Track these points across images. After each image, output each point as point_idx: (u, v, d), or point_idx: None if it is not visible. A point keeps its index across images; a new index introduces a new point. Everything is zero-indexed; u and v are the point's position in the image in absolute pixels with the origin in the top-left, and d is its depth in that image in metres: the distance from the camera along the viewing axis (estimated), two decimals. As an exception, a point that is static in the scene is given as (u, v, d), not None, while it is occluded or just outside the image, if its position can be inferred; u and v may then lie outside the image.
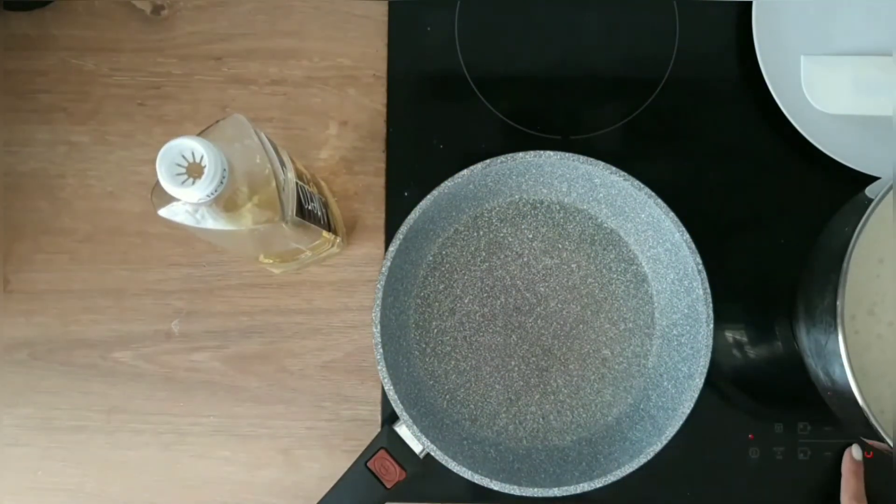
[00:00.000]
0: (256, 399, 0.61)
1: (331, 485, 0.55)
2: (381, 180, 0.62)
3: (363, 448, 0.55)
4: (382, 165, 0.62)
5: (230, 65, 0.62)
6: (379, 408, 0.61)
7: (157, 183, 0.40)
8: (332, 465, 0.59)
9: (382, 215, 0.62)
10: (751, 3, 0.60)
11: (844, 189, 0.53)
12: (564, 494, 0.53)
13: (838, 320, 0.45)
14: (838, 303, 0.46)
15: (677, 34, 0.62)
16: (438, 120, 0.62)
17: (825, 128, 0.58)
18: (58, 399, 0.61)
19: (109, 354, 0.61)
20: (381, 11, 0.62)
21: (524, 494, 0.53)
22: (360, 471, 0.54)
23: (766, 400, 0.60)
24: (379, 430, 0.57)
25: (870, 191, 0.50)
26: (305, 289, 0.61)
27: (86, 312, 0.61)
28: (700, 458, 0.55)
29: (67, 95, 0.62)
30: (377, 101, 0.62)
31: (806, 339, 0.52)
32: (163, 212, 0.42)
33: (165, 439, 0.61)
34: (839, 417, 0.54)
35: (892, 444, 0.45)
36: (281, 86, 0.62)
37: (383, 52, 0.62)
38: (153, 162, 0.61)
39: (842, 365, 0.45)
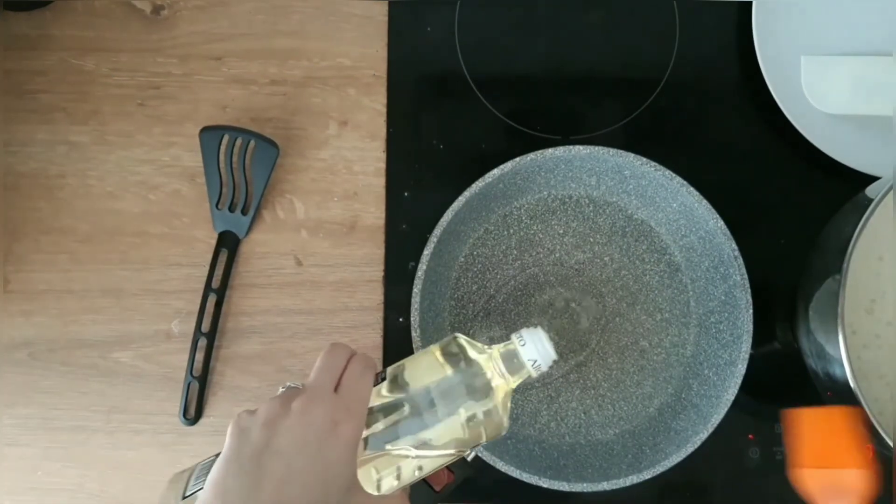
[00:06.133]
0: (256, 399, 0.61)
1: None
2: (381, 180, 0.62)
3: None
4: (382, 165, 0.62)
5: (230, 65, 0.62)
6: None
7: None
8: (332, 465, 0.59)
9: (382, 215, 0.62)
10: (751, 3, 0.60)
11: (844, 189, 0.53)
12: (614, 488, 0.53)
13: (838, 320, 0.46)
14: (838, 303, 0.46)
15: (677, 34, 0.62)
16: (438, 120, 0.62)
17: (825, 128, 0.58)
18: (58, 399, 0.61)
19: (109, 354, 0.61)
20: (381, 11, 0.62)
21: (573, 490, 0.53)
22: None
23: (766, 400, 0.60)
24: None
25: (870, 191, 0.50)
26: (305, 289, 0.61)
27: (86, 312, 0.61)
28: (700, 459, 0.55)
29: (67, 95, 0.62)
30: (377, 101, 0.62)
31: (806, 340, 0.52)
32: None
33: (165, 439, 0.61)
34: (839, 417, 0.54)
35: (892, 444, 0.45)
36: (281, 86, 0.62)
37: (383, 52, 0.62)
38: (153, 162, 0.62)
39: (842, 365, 0.45)
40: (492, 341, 0.59)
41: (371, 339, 0.61)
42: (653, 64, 0.62)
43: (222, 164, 0.60)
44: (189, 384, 0.60)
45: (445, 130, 0.62)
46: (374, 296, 0.61)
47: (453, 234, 0.56)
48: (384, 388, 0.43)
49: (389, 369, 0.44)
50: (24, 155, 0.62)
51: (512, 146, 0.58)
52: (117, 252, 0.61)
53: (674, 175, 0.54)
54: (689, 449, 0.53)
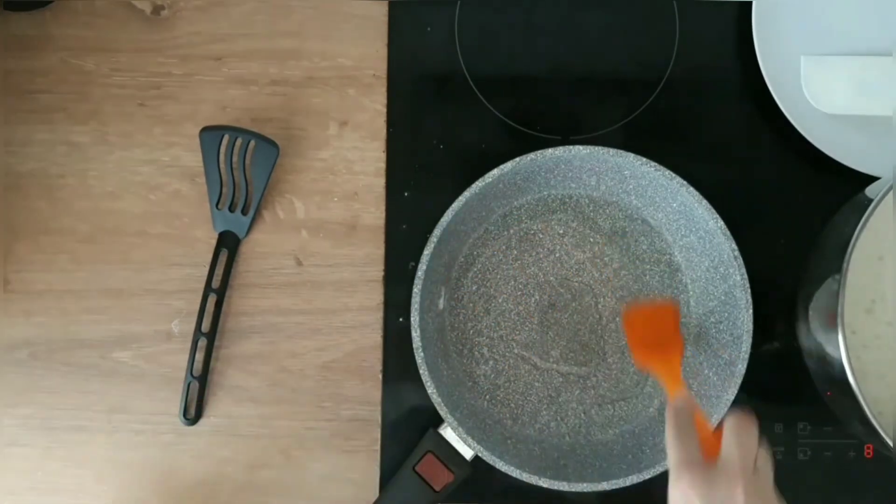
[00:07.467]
0: (256, 399, 0.61)
1: (331, 485, 0.55)
2: (381, 180, 0.62)
3: (363, 448, 0.55)
4: (382, 165, 0.62)
5: (230, 65, 0.62)
6: (379, 408, 0.60)
7: None
8: (332, 465, 0.59)
9: (382, 215, 0.62)
10: (751, 3, 0.60)
11: (844, 189, 0.53)
12: (614, 488, 0.53)
13: (838, 320, 0.46)
14: (838, 303, 0.46)
15: (677, 34, 0.62)
16: (438, 120, 0.62)
17: (825, 128, 0.58)
18: (58, 399, 0.61)
19: (110, 354, 0.61)
20: (381, 11, 0.62)
21: (574, 490, 0.53)
22: (409, 475, 0.55)
23: (766, 400, 0.60)
24: (379, 430, 0.57)
25: (870, 191, 0.50)
26: (305, 289, 0.61)
27: (86, 312, 0.61)
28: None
29: (67, 95, 0.62)
30: (377, 101, 0.62)
31: (806, 340, 0.52)
32: None
33: (165, 439, 0.61)
34: (839, 417, 0.54)
35: (891, 444, 0.45)
36: (281, 86, 0.62)
37: (383, 52, 0.62)
38: (153, 162, 0.62)
39: (841, 365, 0.45)
40: (493, 342, 0.59)
41: (371, 339, 0.61)
42: (653, 64, 0.62)
43: (222, 164, 0.60)
44: (189, 384, 0.60)
45: (445, 130, 0.62)
46: (374, 296, 0.61)
47: (453, 234, 0.56)
48: None
49: None
50: (25, 155, 0.62)
51: (512, 146, 0.58)
52: (118, 252, 0.62)
53: (674, 175, 0.54)
54: None
